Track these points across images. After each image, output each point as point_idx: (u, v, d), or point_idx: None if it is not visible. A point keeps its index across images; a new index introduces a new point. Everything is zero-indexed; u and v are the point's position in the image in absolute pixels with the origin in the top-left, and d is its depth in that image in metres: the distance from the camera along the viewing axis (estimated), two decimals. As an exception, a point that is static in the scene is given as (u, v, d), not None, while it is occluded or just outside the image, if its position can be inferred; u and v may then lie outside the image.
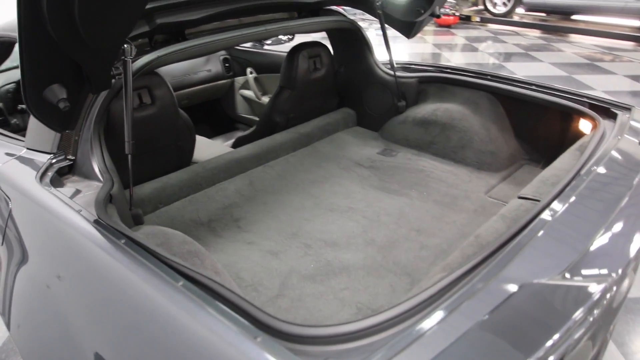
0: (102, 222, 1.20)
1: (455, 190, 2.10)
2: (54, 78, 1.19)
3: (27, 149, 1.68)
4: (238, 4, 1.91)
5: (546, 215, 1.17)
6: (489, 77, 2.31)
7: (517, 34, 8.73)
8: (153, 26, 1.69)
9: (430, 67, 2.56)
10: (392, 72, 2.54)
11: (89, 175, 1.55)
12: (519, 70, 6.37)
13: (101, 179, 1.48)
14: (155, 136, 2.04)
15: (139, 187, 1.97)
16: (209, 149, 2.58)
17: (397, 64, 2.66)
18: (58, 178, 1.53)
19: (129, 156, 1.56)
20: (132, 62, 1.68)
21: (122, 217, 1.50)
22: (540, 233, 1.10)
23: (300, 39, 2.77)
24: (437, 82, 2.48)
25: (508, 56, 7.18)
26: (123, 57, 1.49)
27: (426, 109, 2.48)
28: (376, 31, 9.04)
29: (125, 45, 1.48)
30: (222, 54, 3.56)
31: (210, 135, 3.34)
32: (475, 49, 7.67)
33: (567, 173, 1.41)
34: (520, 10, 9.58)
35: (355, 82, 2.74)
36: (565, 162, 1.63)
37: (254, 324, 0.88)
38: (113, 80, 1.52)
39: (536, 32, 8.79)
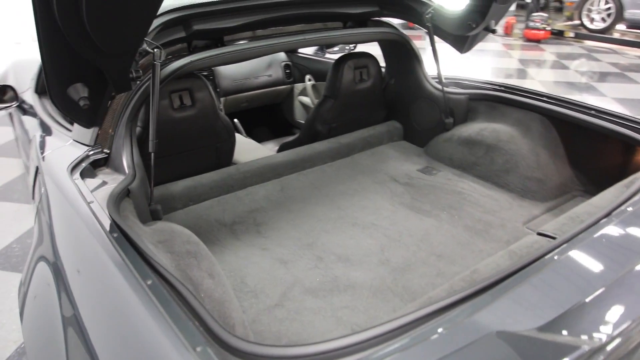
0: (108, 215, 1.27)
1: (491, 216, 1.96)
2: (77, 77, 1.29)
3: (73, 140, 1.83)
4: (277, 13, 1.94)
5: (553, 256, 1.05)
6: (544, 98, 2.13)
7: (614, 52, 7.99)
8: (189, 32, 1.77)
9: (483, 84, 2.42)
10: (441, 87, 2.44)
11: (119, 169, 1.65)
12: (612, 91, 5.82)
13: (127, 173, 1.58)
14: (194, 136, 2.13)
15: (173, 184, 2.07)
16: (252, 151, 2.64)
17: (448, 79, 2.55)
18: (91, 170, 1.64)
19: (152, 154, 1.64)
20: (166, 65, 1.78)
21: (139, 211, 1.58)
22: (538, 276, 0.98)
23: (363, 49, 2.74)
24: (487, 100, 2.34)
25: (602, 76, 6.59)
26: (152, 61, 1.58)
27: (473, 128, 2.34)
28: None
29: (155, 50, 1.57)
30: (283, 60, 3.64)
31: (268, 138, 3.43)
32: (565, 67, 7.13)
33: (601, 211, 1.26)
34: (621, 26, 8.76)
35: (404, 96, 2.67)
36: (605, 198, 1.45)
37: (205, 332, 0.87)
38: (138, 81, 1.60)
39: (637, 51, 7.98)
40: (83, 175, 1.57)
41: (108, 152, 1.72)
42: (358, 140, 2.56)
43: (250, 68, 3.48)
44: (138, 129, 2.02)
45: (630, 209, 1.23)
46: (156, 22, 1.62)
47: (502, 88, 2.30)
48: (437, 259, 1.72)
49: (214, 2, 1.78)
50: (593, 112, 1.94)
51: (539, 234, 1.30)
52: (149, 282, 0.99)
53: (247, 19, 1.88)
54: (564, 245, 1.08)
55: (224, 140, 2.26)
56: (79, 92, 1.30)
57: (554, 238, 1.24)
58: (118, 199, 1.41)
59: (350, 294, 1.56)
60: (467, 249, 1.77)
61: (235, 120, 3.30)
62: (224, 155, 2.32)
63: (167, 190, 2.03)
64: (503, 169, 2.17)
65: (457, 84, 2.52)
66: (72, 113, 1.37)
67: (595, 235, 1.12)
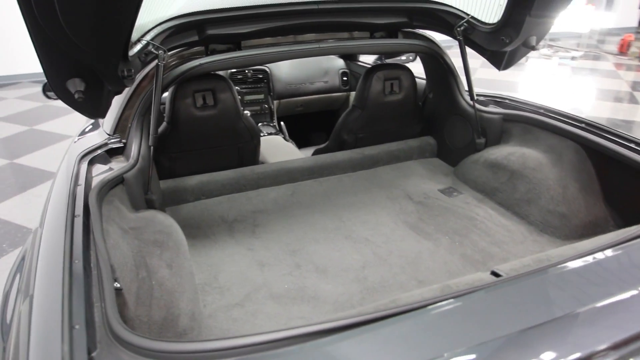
0: (83, 197, 1.40)
1: (496, 248, 1.80)
2: (75, 72, 1.43)
3: (102, 128, 2.04)
4: (295, 21, 1.97)
5: (462, 299, 0.96)
6: (583, 124, 1.91)
7: None
8: (203, 36, 1.87)
9: (523, 104, 2.22)
10: (476, 105, 2.29)
11: (129, 158, 1.81)
12: None
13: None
14: (215, 135, 2.25)
15: (188, 178, 2.20)
16: (284, 154, 2.70)
17: (488, 97, 2.38)
18: (105, 157, 1.81)
19: (151, 148, 1.77)
20: (177, 66, 1.90)
21: (134, 198, 1.71)
22: (421, 318, 0.91)
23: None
24: (522, 122, 2.15)
25: None
26: (157, 62, 1.70)
27: (502, 151, 2.16)
28: (550, 59, 8.08)
29: (159, 51, 1.69)
30: (341, 67, 3.66)
31: (320, 143, 3.49)
32: (685, 94, 6.22)
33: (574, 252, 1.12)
34: None
35: (439, 111, 2.55)
36: (596, 242, 1.27)
37: (102, 316, 0.94)
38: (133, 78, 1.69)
39: None
40: (94, 161, 1.74)
41: (125, 142, 1.88)
42: (384, 153, 2.49)
43: (307, 73, 3.56)
44: (165, 125, 2.18)
45: (593, 258, 1.08)
46: (166, 26, 1.74)
47: (541, 110, 2.10)
48: (417, 284, 1.63)
49: (231, 9, 1.87)
50: (633, 144, 1.70)
51: (493, 272, 1.18)
52: (76, 262, 1.09)
53: (263, 26, 1.94)
54: (505, 284, 0.99)
55: (246, 141, 2.35)
56: (76, 85, 1.44)
57: (499, 276, 1.12)
58: (107, 185, 1.54)
59: (311, 306, 1.54)
60: (454, 278, 1.65)
61: (282, 123, 3.40)
62: (247, 155, 2.41)
63: (182, 183, 2.17)
64: (525, 198, 1.98)
65: (499, 102, 2.34)
66: (72, 104, 1.53)
67: (544, 277, 1.00)
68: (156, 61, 1.69)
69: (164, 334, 1.32)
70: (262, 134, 3.30)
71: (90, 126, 2.13)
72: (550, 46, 8.75)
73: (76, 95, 1.43)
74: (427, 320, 0.94)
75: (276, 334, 0.88)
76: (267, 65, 3.44)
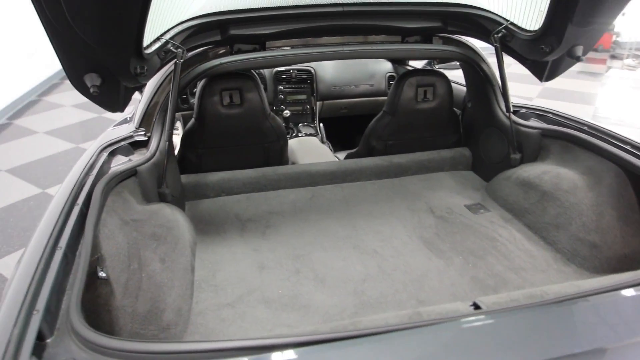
0: (89, 187, 1.46)
1: (513, 275, 1.66)
2: (91, 68, 1.50)
3: (133, 121, 2.13)
4: (317, 23, 1.94)
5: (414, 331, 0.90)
6: (629, 146, 1.71)
7: None
8: (225, 36, 1.89)
9: (569, 120, 2.03)
10: (513, 117, 2.13)
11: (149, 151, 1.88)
12: None
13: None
14: (241, 134, 2.28)
15: (211, 174, 2.24)
16: (316, 156, 2.67)
17: (531, 109, 2.20)
18: (129, 149, 1.89)
19: (167, 143, 1.82)
20: (198, 65, 1.94)
21: (146, 191, 1.77)
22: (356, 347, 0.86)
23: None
24: (561, 138, 1.96)
25: None
26: (175, 60, 1.75)
27: (536, 170, 1.99)
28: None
29: (178, 50, 1.73)
30: (388, 71, 3.58)
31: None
32: None
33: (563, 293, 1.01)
34: None
35: (476, 122, 2.40)
36: (615, 279, 1.12)
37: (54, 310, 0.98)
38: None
39: None
40: (115, 152, 1.82)
41: (149, 135, 1.96)
42: (412, 162, 2.39)
43: (352, 76, 3.51)
44: (192, 121, 2.24)
45: (596, 299, 0.96)
46: (187, 25, 1.77)
47: (585, 127, 1.91)
48: (416, 303, 1.54)
49: (254, 9, 1.87)
50: None
51: (474, 304, 1.07)
52: (59, 249, 1.14)
53: (287, 27, 1.93)
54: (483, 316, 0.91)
55: (273, 141, 2.36)
56: (93, 80, 1.51)
57: (479, 308, 1.02)
58: (119, 177, 1.61)
59: (301, 315, 1.51)
60: (456, 301, 1.54)
61: (321, 124, 3.38)
62: (274, 155, 2.42)
63: (204, 178, 2.22)
64: (554, 222, 1.81)
65: (542, 116, 2.16)
66: (90, 97, 1.60)
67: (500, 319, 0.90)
68: (175, 59, 1.73)
69: (147, 326, 1.35)
70: (300, 135, 3.30)
71: (124, 119, 2.24)
72: (636, 56, 7.99)
73: (91, 90, 1.50)
74: (384, 347, 0.88)
75: (228, 343, 0.87)
76: (311, 66, 3.43)
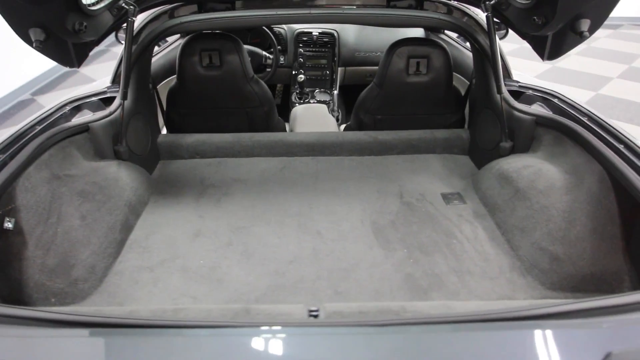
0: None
1: (455, 278, 1.48)
2: (35, 23, 1.50)
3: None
4: None
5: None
6: (623, 145, 1.41)
7: None
8: None
9: (575, 109, 1.71)
10: (506, 99, 1.85)
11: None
12: None
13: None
14: (221, 96, 2.22)
15: (188, 135, 2.23)
16: (314, 125, 2.55)
17: (541, 91, 1.89)
18: (99, 104, 1.92)
19: (123, 102, 1.82)
20: (158, 23, 1.88)
21: (99, 148, 1.80)
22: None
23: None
24: (555, 128, 1.68)
25: None
26: (128, 18, 1.71)
27: (519, 162, 1.74)
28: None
29: (130, 7, 1.69)
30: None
31: None
32: None
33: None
34: None
35: (476, 102, 2.13)
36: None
37: None
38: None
39: None
40: (82, 107, 1.86)
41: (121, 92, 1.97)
42: (399, 141, 2.20)
43: (378, 42, 3.27)
44: (175, 81, 2.23)
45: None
46: None
47: (585, 119, 1.61)
48: (332, 295, 1.44)
49: None
50: None
51: (310, 310, 0.95)
52: None
53: None
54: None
55: (255, 106, 2.28)
56: (36, 35, 1.52)
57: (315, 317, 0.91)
58: (67, 131, 1.65)
59: (211, 288, 1.47)
60: (376, 300, 1.42)
61: (335, 92, 3.22)
62: (258, 121, 2.35)
63: (180, 139, 2.21)
64: (519, 225, 1.58)
65: (547, 101, 1.86)
66: (42, 51, 1.63)
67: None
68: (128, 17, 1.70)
69: (54, 279, 1.40)
70: (312, 101, 3.18)
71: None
72: None
73: (34, 44, 1.52)
74: (182, 342, 0.83)
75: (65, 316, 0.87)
76: (335, 29, 3.25)
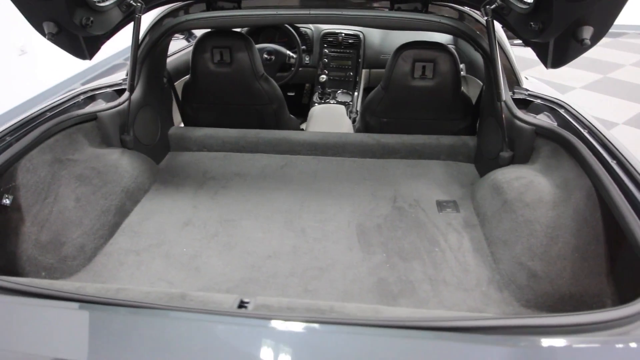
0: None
1: (428, 287, 1.46)
2: (48, 17, 1.62)
3: None
4: None
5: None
6: (616, 161, 1.33)
7: None
8: None
9: (578, 120, 1.63)
10: (508, 107, 1.79)
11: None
12: None
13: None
14: (230, 93, 2.29)
15: (197, 129, 2.31)
16: (329, 127, 2.56)
17: (550, 101, 1.81)
18: (113, 95, 2.04)
19: (130, 94, 1.91)
20: (166, 20, 1.96)
21: (107, 136, 1.91)
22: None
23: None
24: (553, 139, 1.61)
25: None
26: (135, 15, 1.80)
27: (513, 173, 1.67)
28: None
29: (137, 4, 1.78)
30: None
31: None
32: None
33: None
34: None
35: (483, 109, 2.07)
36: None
37: None
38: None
39: None
40: (96, 97, 1.98)
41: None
42: (403, 145, 2.17)
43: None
44: (189, 75, 2.32)
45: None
46: None
47: (585, 132, 1.53)
48: (302, 293, 1.45)
49: None
50: None
51: (242, 301, 0.97)
52: None
53: None
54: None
55: (264, 104, 2.33)
56: (49, 28, 1.64)
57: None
58: (76, 119, 1.76)
59: (187, 276, 1.53)
60: (346, 300, 1.42)
61: (356, 94, 3.21)
62: (268, 118, 2.40)
63: (190, 132, 2.30)
64: (503, 238, 1.52)
65: (554, 111, 1.78)
66: (55, 43, 1.75)
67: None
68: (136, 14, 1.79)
69: (45, 254, 1.51)
70: (332, 102, 3.19)
71: None
72: None
73: (47, 37, 1.64)
74: (116, 320, 0.88)
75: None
76: (361, 30, 3.25)
